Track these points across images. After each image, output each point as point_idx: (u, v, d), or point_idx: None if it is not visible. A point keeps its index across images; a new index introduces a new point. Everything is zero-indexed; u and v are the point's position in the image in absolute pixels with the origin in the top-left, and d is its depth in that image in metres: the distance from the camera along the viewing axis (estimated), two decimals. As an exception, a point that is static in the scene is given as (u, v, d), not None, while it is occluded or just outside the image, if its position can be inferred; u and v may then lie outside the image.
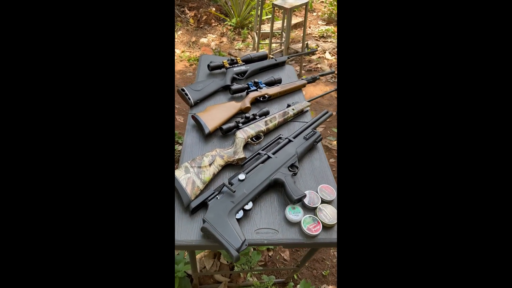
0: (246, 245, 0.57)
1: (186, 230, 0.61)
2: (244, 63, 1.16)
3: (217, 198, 0.65)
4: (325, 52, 2.87)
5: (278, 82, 1.11)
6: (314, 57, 2.80)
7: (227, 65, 1.11)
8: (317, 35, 3.24)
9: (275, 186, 0.73)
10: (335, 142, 1.82)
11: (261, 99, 1.02)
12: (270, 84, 1.09)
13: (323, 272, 1.14)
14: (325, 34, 3.23)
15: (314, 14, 3.75)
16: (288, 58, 1.34)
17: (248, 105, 0.96)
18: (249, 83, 1.05)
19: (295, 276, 1.11)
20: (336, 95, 2.28)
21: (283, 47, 2.56)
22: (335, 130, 1.94)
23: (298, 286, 1.05)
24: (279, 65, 1.29)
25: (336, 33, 3.24)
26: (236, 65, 1.13)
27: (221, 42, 2.97)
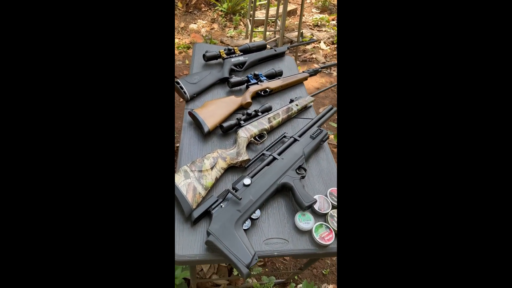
0: (256, 259, 0.52)
1: (188, 243, 0.55)
2: (242, 53, 1.08)
3: (221, 206, 0.59)
4: (319, 42, 2.80)
5: (279, 74, 1.04)
6: (308, 47, 2.72)
7: (224, 56, 1.03)
8: (311, 24, 3.15)
9: (282, 191, 0.68)
10: (332, 136, 1.78)
11: (262, 93, 0.95)
12: (270, 76, 1.02)
13: (323, 271, 1.13)
14: (319, 22, 3.14)
15: (308, 1, 3.63)
16: (288, 48, 1.26)
17: (249, 100, 0.89)
18: (249, 75, 0.98)
19: (296, 276, 1.09)
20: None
21: (277, 36, 2.46)
22: (332, 124, 1.90)
23: (300, 286, 1.02)
24: (279, 55, 1.21)
25: (330, 22, 3.16)
26: (233, 55, 1.05)
27: (211, 29, 2.83)
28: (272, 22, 2.68)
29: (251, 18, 2.29)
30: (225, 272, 1.04)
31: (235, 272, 0.99)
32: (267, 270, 1.09)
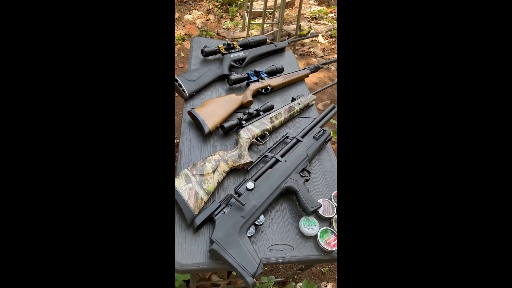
0: (261, 268, 0.51)
1: (190, 250, 0.53)
2: (241, 48, 1.04)
3: (224, 212, 0.57)
4: (317, 35, 2.75)
5: (280, 71, 1.01)
6: (306, 40, 2.67)
7: (224, 51, 0.99)
8: (309, 16, 3.09)
9: (286, 194, 0.66)
10: (331, 133, 1.77)
11: (263, 91, 0.93)
12: (271, 73, 0.99)
13: (322, 270, 1.13)
14: (317, 15, 3.08)
15: (305, -8, 3.55)
16: (288, 43, 1.23)
17: (250, 98, 0.86)
18: (249, 72, 0.94)
19: (295, 275, 1.09)
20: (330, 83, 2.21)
21: (275, 29, 2.40)
22: (331, 120, 1.88)
23: (300, 285, 1.03)
24: (279, 51, 1.18)
25: (328, 15, 3.10)
26: (233, 50, 1.01)
27: (207, 20, 2.75)
28: (270, 14, 2.61)
29: (248, 10, 2.23)
30: (224, 272, 1.03)
31: (234, 273, 0.99)
32: (266, 269, 1.09)
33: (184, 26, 2.61)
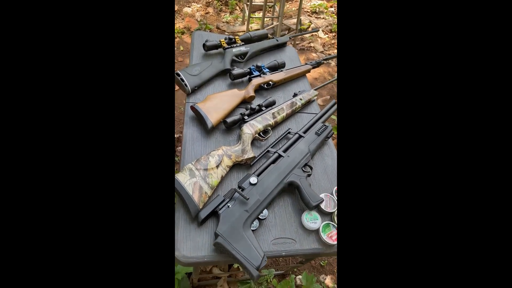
0: (265, 261, 0.52)
1: (195, 244, 0.54)
2: (243, 42, 1.03)
3: (228, 206, 0.58)
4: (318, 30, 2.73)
5: (281, 66, 1.01)
6: (306, 35, 2.66)
7: (225, 45, 0.99)
8: (309, 10, 3.07)
9: (288, 189, 0.67)
10: (329, 128, 1.78)
11: (265, 86, 0.93)
12: (273, 68, 0.99)
13: (321, 263, 1.15)
14: (317, 9, 3.06)
15: (306, -14, 3.51)
16: (290, 38, 1.22)
17: (253, 93, 0.86)
18: (251, 67, 0.94)
19: (295, 268, 1.11)
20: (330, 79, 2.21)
21: (275, 23, 2.38)
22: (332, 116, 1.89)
23: (300, 277, 1.05)
24: (280, 46, 1.17)
25: (328, 9, 3.08)
26: (235, 45, 1.01)
27: (206, 13, 2.71)
28: (270, 7, 2.58)
29: (248, 3, 2.20)
30: (225, 265, 1.05)
31: (235, 265, 1.00)
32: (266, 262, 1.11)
33: (183, 19, 2.57)
